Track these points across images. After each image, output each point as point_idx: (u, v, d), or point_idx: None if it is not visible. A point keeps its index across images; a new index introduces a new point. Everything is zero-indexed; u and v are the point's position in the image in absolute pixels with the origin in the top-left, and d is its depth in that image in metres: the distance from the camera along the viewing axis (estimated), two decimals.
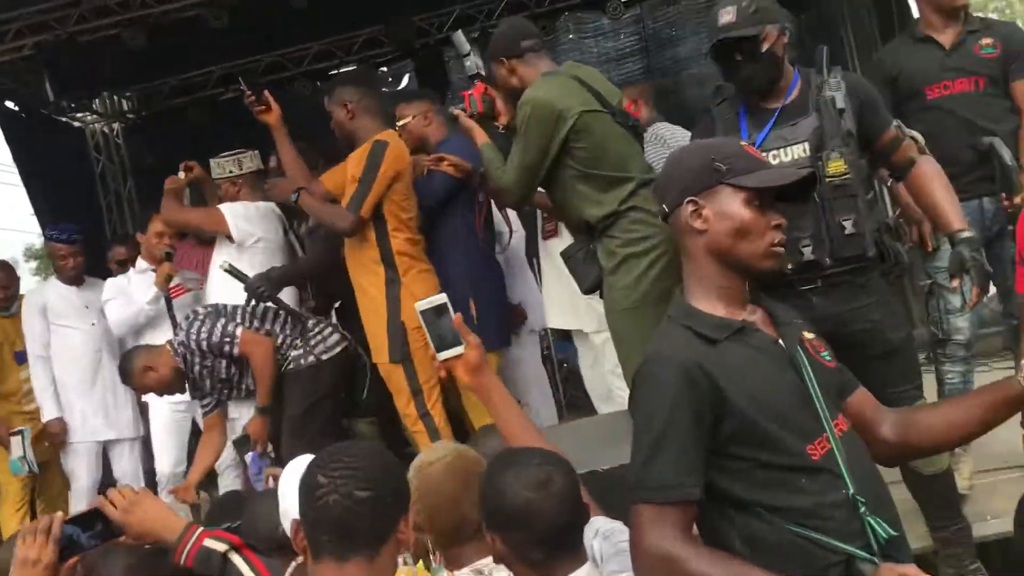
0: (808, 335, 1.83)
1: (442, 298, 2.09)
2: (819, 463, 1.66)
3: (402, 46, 7.25)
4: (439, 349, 2.06)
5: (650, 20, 7.55)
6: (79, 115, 7.42)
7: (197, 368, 3.83)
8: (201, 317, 3.87)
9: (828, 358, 1.83)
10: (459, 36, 3.78)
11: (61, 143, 7.16)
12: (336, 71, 7.71)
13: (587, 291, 3.33)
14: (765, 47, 2.64)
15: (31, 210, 6.70)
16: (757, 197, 1.73)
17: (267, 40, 7.06)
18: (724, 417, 1.64)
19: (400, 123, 4.12)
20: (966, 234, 2.59)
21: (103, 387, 4.80)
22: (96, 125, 7.64)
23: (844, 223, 2.58)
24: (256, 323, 3.91)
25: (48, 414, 4.73)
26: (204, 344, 3.78)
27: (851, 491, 1.65)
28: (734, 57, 2.69)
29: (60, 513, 1.95)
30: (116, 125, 7.70)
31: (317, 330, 3.95)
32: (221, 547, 1.96)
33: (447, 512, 2.01)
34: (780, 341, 1.76)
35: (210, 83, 7.42)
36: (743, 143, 1.85)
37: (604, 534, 1.91)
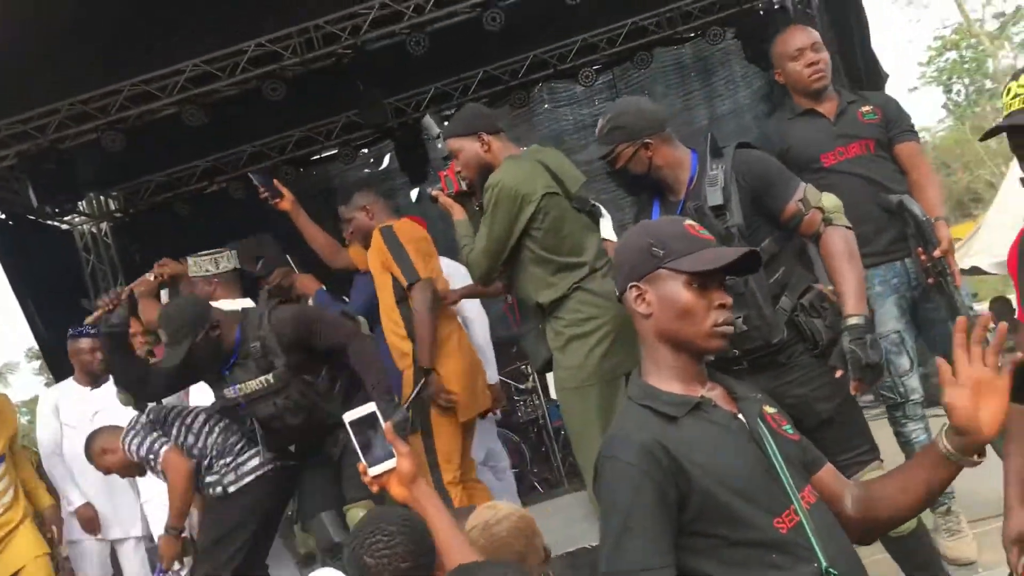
0: (770, 409, 1.83)
1: (370, 407, 1.97)
2: (788, 536, 1.63)
3: (378, 128, 7.38)
4: (370, 464, 1.95)
5: (622, 84, 7.67)
6: (66, 217, 7.50)
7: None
8: (137, 428, 3.95)
9: (791, 431, 1.83)
10: (428, 120, 3.90)
11: (49, 246, 7.23)
12: (318, 156, 7.85)
13: (539, 370, 3.39)
14: (619, 164, 2.81)
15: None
16: (697, 279, 1.74)
17: (247, 132, 7.19)
18: (688, 495, 1.62)
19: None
20: (852, 320, 2.55)
21: (109, 487, 4.78)
22: (84, 226, 7.73)
23: (735, 321, 2.62)
24: (191, 438, 3.94)
25: (77, 501, 4.80)
26: (135, 455, 3.92)
27: (823, 564, 1.63)
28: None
29: None
30: (103, 224, 7.79)
31: (234, 455, 3.91)
32: None
33: None
34: (740, 416, 1.75)
35: (194, 177, 7.54)
36: (687, 223, 1.85)
37: None
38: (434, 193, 3.53)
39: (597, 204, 3.50)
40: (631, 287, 1.79)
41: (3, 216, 6.75)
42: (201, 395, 4.32)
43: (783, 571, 1.61)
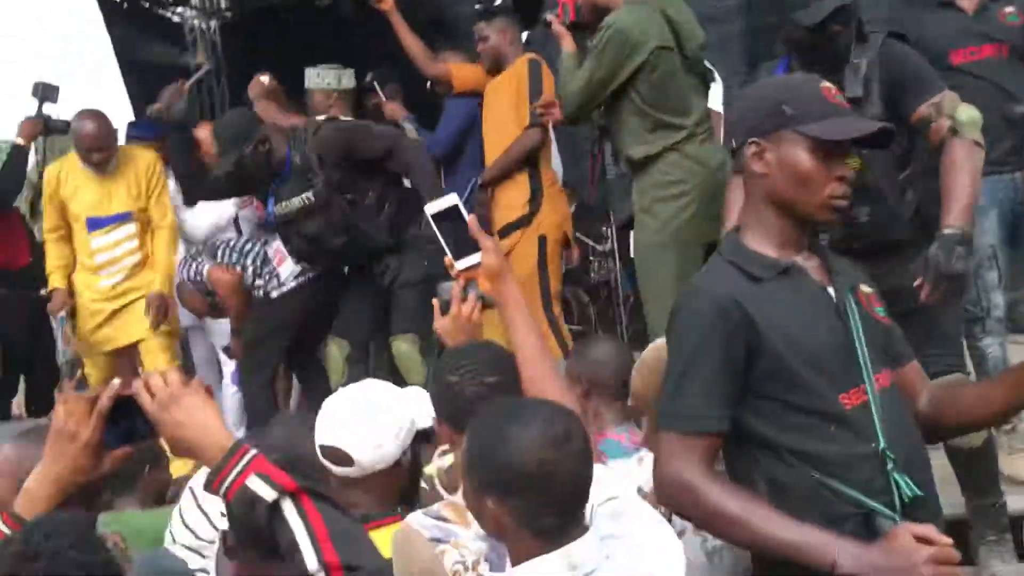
0: (866, 289, 1.80)
1: (452, 199, 1.88)
2: (851, 413, 1.64)
3: None
4: (456, 257, 1.86)
5: None
6: (178, 9, 7.52)
7: None
8: (188, 262, 4.27)
9: (882, 314, 1.80)
10: None
11: (159, 36, 7.28)
12: None
13: (620, 226, 3.37)
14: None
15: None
16: (823, 146, 1.67)
17: None
18: (757, 355, 1.63)
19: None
20: (947, 231, 2.47)
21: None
22: (194, 20, 7.73)
23: (858, 213, 2.54)
24: (234, 256, 4.13)
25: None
26: (198, 280, 4.22)
27: (882, 445, 1.62)
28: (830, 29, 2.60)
29: (118, 382, 1.53)
30: (213, 22, 7.78)
31: (271, 266, 4.08)
32: (269, 494, 1.37)
33: None
34: (829, 288, 1.72)
35: None
36: (824, 84, 1.74)
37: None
38: (549, 18, 3.50)
39: (712, 68, 3.39)
40: (750, 143, 1.71)
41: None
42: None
43: (839, 445, 1.62)
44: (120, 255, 4.26)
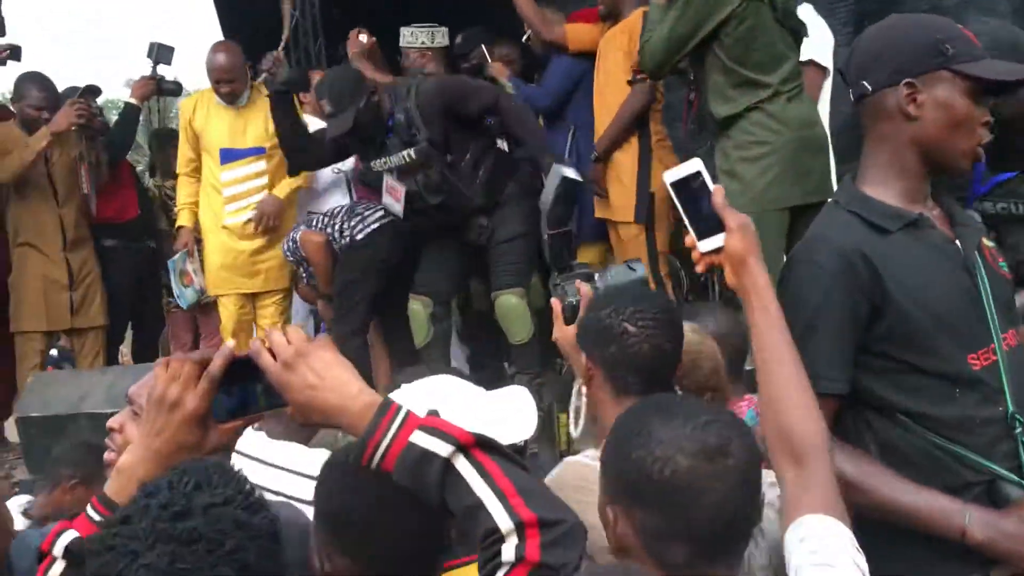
0: (988, 242, 1.70)
1: (695, 165, 1.50)
2: (979, 374, 1.55)
3: None
4: (699, 235, 1.49)
5: None
6: None
7: None
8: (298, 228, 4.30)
9: (1005, 268, 1.69)
10: None
11: None
12: None
13: None
14: None
15: None
16: (976, 89, 1.56)
17: None
18: (881, 312, 1.54)
19: None
20: None
21: None
22: None
23: None
24: (324, 219, 4.18)
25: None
26: (291, 255, 4.26)
27: (1011, 409, 1.54)
28: None
29: (232, 343, 1.34)
30: None
31: (359, 213, 4.09)
32: (444, 448, 1.15)
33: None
34: (957, 242, 1.62)
35: None
36: (962, 27, 1.63)
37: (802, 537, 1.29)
38: None
39: (804, 22, 3.24)
40: (905, 83, 1.57)
41: None
42: None
43: (962, 408, 1.54)
44: (250, 190, 4.29)
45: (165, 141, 5.27)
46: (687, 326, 1.86)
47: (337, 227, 4.12)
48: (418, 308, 3.93)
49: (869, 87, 1.61)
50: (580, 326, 1.85)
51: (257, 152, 4.23)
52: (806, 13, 3.49)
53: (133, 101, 4.71)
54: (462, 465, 1.14)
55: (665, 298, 1.84)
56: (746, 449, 1.23)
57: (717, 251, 1.45)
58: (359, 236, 4.06)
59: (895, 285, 1.54)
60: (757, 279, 1.44)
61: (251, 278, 4.34)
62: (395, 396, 1.28)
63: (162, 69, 4.65)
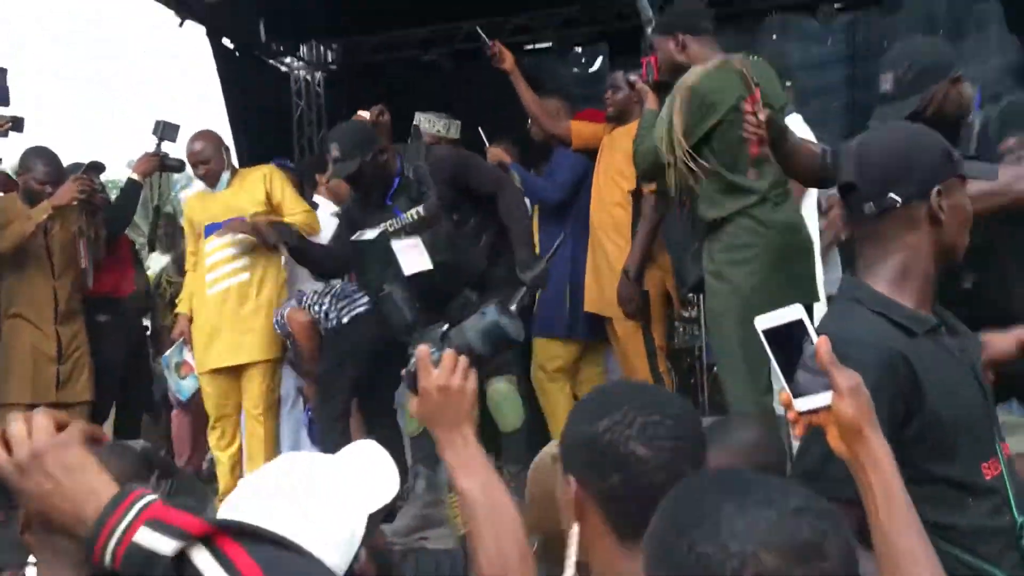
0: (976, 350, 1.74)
1: (797, 312, 1.30)
2: (991, 483, 1.57)
3: (597, 27, 7.24)
4: (796, 393, 1.29)
5: (862, 28, 7.20)
6: (286, 60, 7.81)
7: None
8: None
9: (990, 377, 1.74)
10: (643, 2, 3.81)
11: (266, 84, 7.56)
12: (532, 46, 7.79)
13: (688, 290, 3.32)
14: (930, 110, 2.54)
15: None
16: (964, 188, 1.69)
17: (468, 9, 7.21)
18: (915, 416, 1.53)
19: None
20: None
21: None
22: (300, 71, 8.02)
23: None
24: (314, 296, 4.24)
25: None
26: (280, 329, 4.32)
27: (1018, 519, 1.55)
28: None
29: None
30: (318, 73, 8.05)
31: (348, 295, 4.16)
32: (168, 545, 1.02)
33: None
34: (963, 350, 1.67)
35: (410, 45, 7.64)
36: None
37: None
38: (632, 78, 3.52)
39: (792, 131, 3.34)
40: (937, 192, 1.62)
41: (232, 46, 7.10)
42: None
43: (975, 518, 1.55)
44: (228, 257, 4.30)
45: (170, 218, 5.34)
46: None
47: (324, 308, 4.13)
48: (506, 387, 3.80)
49: (899, 199, 1.62)
50: (564, 442, 1.36)
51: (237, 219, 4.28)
52: (795, 123, 3.59)
53: (135, 177, 4.75)
54: (200, 558, 1.03)
55: (682, 401, 1.38)
56: (843, 547, 0.94)
57: (819, 411, 1.27)
58: (345, 319, 4.07)
59: (930, 389, 1.54)
60: (877, 454, 1.23)
61: (235, 350, 4.30)
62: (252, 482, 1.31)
63: (166, 146, 4.70)
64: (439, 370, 1.48)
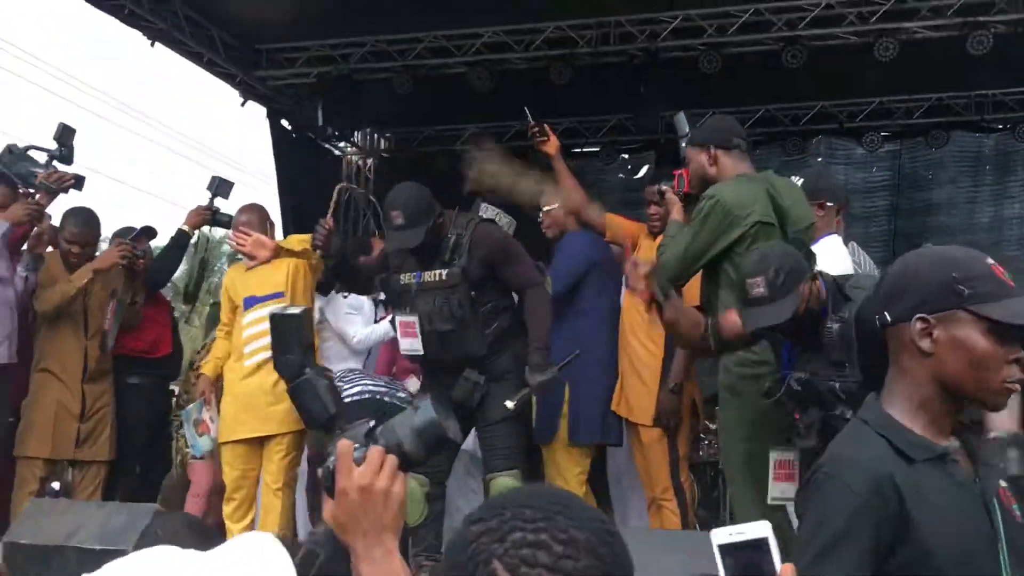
0: (1003, 483, 1.65)
1: (762, 529, 1.14)
2: None
3: (646, 136, 7.38)
4: None
5: (907, 158, 7.27)
6: (340, 144, 8.06)
7: None
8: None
9: (1019, 511, 1.64)
10: (681, 117, 3.89)
11: (319, 167, 7.78)
12: (580, 150, 7.96)
13: (705, 400, 3.27)
14: (803, 308, 2.70)
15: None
16: (999, 328, 1.55)
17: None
18: (901, 545, 1.49)
19: (546, 208, 4.34)
20: None
21: None
22: (352, 157, 8.25)
23: None
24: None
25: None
26: None
27: None
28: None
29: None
30: (370, 160, 8.29)
31: (338, 383, 4.12)
32: None
33: None
34: (977, 480, 1.59)
35: (460, 139, 7.85)
36: (992, 262, 1.63)
37: None
38: (664, 188, 3.56)
39: (814, 252, 3.35)
40: (918, 319, 1.58)
41: (290, 128, 7.35)
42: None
43: None
44: (263, 331, 4.20)
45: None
46: None
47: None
48: (414, 487, 3.77)
49: (889, 318, 1.62)
50: (446, 558, 1.07)
51: (276, 296, 4.29)
52: (831, 245, 3.60)
53: (185, 228, 4.85)
54: None
55: (598, 523, 1.01)
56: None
57: None
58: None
59: (918, 520, 1.50)
60: None
61: (266, 421, 4.29)
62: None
63: (219, 202, 4.81)
64: (362, 468, 1.28)
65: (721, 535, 1.14)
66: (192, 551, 1.18)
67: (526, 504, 1.00)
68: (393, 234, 3.77)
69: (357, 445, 1.31)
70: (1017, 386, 1.58)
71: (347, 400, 4.11)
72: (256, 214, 4.50)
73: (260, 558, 1.16)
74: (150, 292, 4.78)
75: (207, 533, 1.79)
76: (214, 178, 4.82)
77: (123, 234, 4.74)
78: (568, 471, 4.09)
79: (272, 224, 4.60)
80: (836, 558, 1.49)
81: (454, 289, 3.68)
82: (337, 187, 4.79)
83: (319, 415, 3.36)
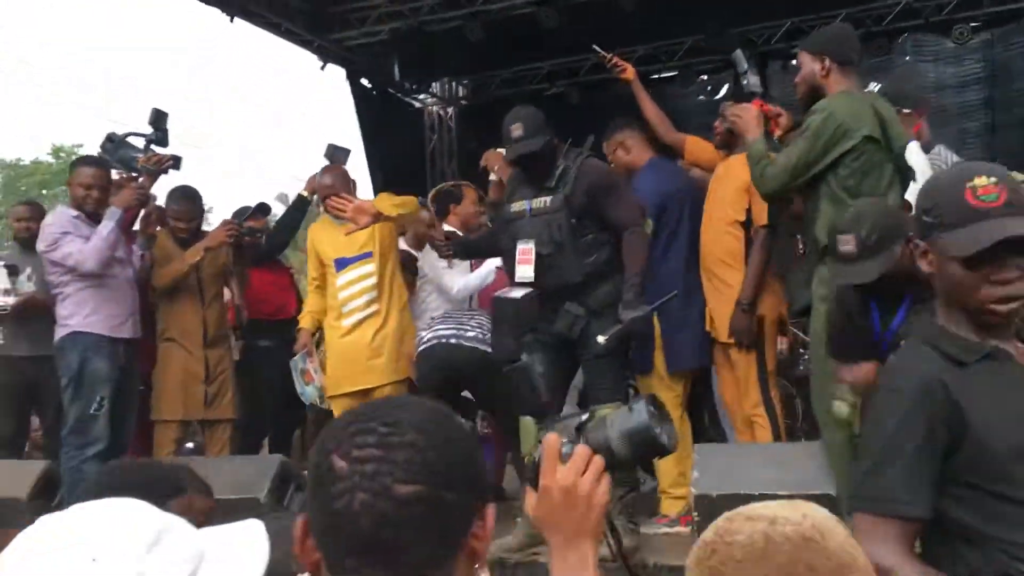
0: None
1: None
2: None
3: (723, 55, 7.25)
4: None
5: (1001, 47, 6.94)
6: (419, 97, 8.19)
7: None
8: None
9: None
10: (739, 54, 3.91)
11: (401, 120, 7.95)
12: (657, 76, 7.88)
13: (795, 315, 3.30)
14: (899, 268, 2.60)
15: None
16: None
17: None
18: (961, 442, 1.57)
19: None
20: None
21: None
22: (433, 107, 8.38)
23: None
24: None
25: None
26: None
27: None
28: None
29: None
30: (450, 109, 8.40)
31: (425, 325, 4.39)
32: None
33: None
34: None
35: (537, 78, 7.88)
36: (970, 184, 1.60)
37: None
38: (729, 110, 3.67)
39: (913, 168, 3.36)
40: (906, 240, 1.75)
41: (370, 86, 7.51)
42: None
43: None
44: (362, 289, 4.48)
45: None
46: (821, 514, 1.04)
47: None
48: (528, 421, 3.87)
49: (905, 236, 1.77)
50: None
51: (365, 256, 4.47)
52: (908, 153, 3.58)
53: (304, 194, 5.11)
54: None
55: (435, 405, 1.09)
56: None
57: None
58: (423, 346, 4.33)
59: (972, 416, 1.57)
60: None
61: (367, 373, 4.48)
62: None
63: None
64: (566, 467, 1.24)
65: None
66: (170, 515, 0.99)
67: (366, 409, 1.06)
68: (513, 145, 3.83)
69: (565, 440, 1.28)
70: (1015, 303, 1.60)
71: (420, 349, 4.29)
72: (340, 176, 4.64)
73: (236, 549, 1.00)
74: (270, 257, 5.17)
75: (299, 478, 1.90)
76: (330, 145, 5.02)
77: (241, 213, 5.08)
78: (664, 396, 4.19)
79: (354, 183, 4.73)
80: (893, 457, 1.58)
81: (556, 214, 3.75)
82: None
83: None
